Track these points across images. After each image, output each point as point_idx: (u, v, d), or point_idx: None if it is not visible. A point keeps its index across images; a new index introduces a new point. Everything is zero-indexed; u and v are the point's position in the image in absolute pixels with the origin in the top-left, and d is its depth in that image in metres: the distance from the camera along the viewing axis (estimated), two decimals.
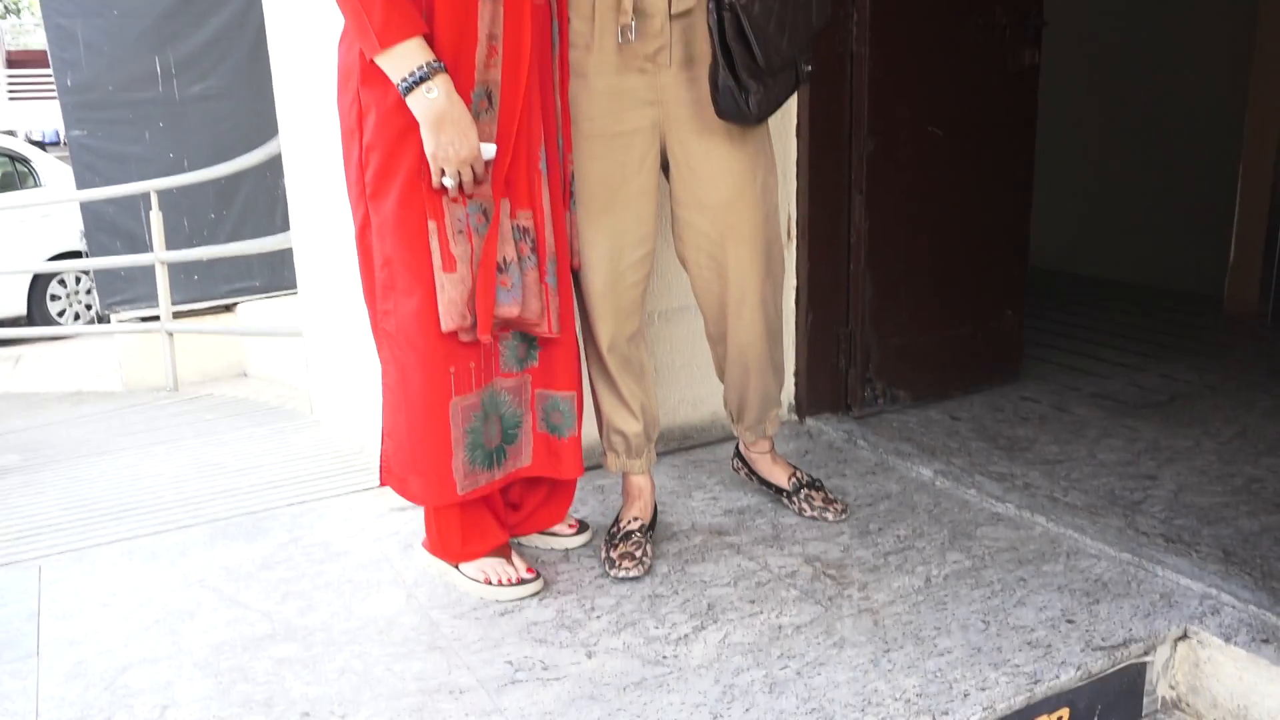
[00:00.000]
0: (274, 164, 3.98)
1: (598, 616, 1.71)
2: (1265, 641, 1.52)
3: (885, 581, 1.79)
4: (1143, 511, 2.03)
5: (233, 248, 4.86)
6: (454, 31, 1.56)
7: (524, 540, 1.99)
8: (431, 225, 1.61)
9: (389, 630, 1.69)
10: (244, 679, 1.56)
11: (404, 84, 1.52)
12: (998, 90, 2.71)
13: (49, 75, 5.53)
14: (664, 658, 1.56)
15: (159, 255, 4.74)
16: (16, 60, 20.20)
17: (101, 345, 6.18)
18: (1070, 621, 1.62)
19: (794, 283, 2.61)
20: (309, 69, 2.58)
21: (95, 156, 5.43)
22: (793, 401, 2.67)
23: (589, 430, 1.98)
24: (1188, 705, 1.59)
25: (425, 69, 1.52)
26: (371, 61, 1.54)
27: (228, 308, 5.68)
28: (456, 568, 1.83)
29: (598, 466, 2.14)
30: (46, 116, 17.89)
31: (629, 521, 1.95)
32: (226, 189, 5.50)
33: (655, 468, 2.12)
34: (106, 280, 5.62)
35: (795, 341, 2.64)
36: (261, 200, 5.59)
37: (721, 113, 1.74)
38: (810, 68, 1.83)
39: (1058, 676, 1.47)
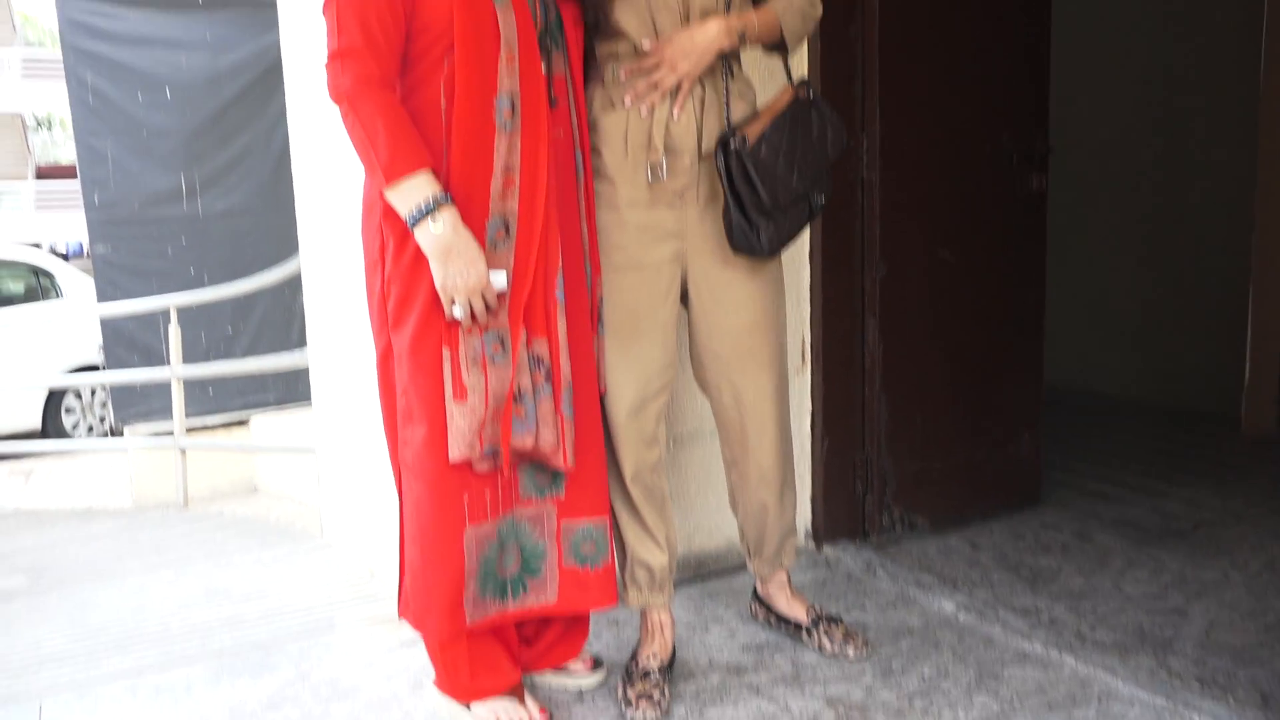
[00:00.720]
0: (291, 279, 4.05)
1: None
2: None
3: None
4: (1174, 650, 1.97)
5: (249, 364, 4.90)
6: (469, 163, 1.59)
7: (537, 678, 1.94)
8: (445, 353, 1.62)
9: None
10: None
11: (411, 217, 1.56)
12: (1007, 215, 2.75)
13: (76, 188, 5.68)
14: None
15: (175, 370, 4.78)
16: (46, 173, 20.82)
17: (113, 460, 6.18)
18: None
19: (809, 407, 2.60)
20: (331, 190, 2.64)
21: (117, 271, 5.52)
22: (809, 528, 2.64)
23: None
24: None
25: (430, 202, 1.55)
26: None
27: (240, 421, 5.68)
28: (468, 708, 1.78)
29: None
30: (71, 228, 18.35)
31: (648, 659, 1.90)
32: (244, 303, 5.57)
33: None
34: (122, 394, 5.65)
35: (811, 467, 2.61)
36: (278, 315, 5.66)
37: (736, 247, 1.79)
38: (824, 200, 1.88)
39: None
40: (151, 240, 5.55)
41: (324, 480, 3.06)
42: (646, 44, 1.72)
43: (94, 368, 7.27)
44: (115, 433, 6.14)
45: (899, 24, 2.51)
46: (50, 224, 19.08)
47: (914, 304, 2.63)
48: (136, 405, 5.63)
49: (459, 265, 1.56)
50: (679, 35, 1.72)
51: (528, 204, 1.63)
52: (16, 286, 7.70)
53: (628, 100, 1.75)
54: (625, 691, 1.84)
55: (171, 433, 5.01)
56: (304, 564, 2.89)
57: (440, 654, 1.79)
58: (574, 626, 1.92)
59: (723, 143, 1.75)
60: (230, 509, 4.62)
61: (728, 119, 1.78)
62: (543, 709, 1.78)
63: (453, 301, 1.59)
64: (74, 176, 5.91)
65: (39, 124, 24.55)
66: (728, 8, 1.76)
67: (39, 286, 7.75)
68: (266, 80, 5.34)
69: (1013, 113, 2.71)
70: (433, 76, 1.59)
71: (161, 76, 5.37)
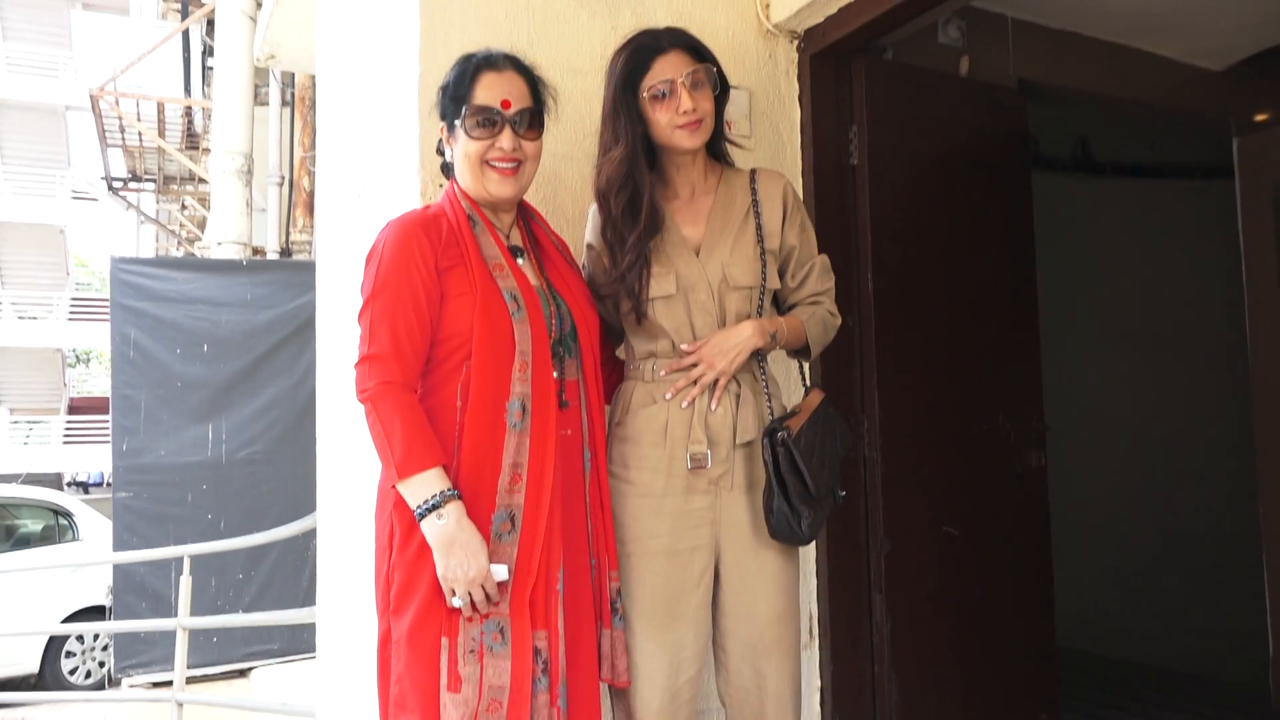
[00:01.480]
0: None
1: None
2: None
3: None
4: None
5: (256, 617, 4.86)
6: (478, 459, 1.68)
7: None
8: (443, 642, 1.65)
9: None
10: None
11: (419, 510, 1.63)
12: (1008, 490, 2.81)
13: (105, 420, 5.84)
14: None
15: (181, 621, 4.73)
16: (78, 407, 21.38)
17: (108, 710, 6.00)
18: None
19: (818, 684, 2.56)
20: (351, 454, 2.72)
21: (136, 517, 5.59)
22: None
23: None
24: None
25: (438, 497, 1.63)
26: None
27: (242, 672, 5.56)
28: None
29: None
30: (96, 458, 18.64)
31: None
32: (257, 550, 5.59)
33: None
34: (125, 642, 5.57)
35: None
36: (290, 562, 5.66)
37: (775, 534, 1.85)
38: (844, 493, 1.97)
39: None
40: (173, 487, 5.65)
41: None
42: (685, 346, 1.86)
43: (101, 608, 7.21)
44: (113, 682, 6.00)
45: (893, 312, 2.67)
46: (76, 456, 19.42)
47: (921, 579, 2.64)
48: (139, 653, 5.54)
49: (460, 557, 1.62)
50: (716, 336, 1.86)
51: (533, 499, 1.70)
52: (35, 526, 7.78)
53: (668, 395, 1.86)
54: None
55: (170, 683, 4.89)
56: None
57: None
58: None
59: (770, 433, 1.84)
60: None
61: (770, 411, 1.90)
62: None
63: (453, 592, 1.63)
64: (104, 410, 6.10)
65: (78, 359, 25.47)
66: (759, 312, 1.91)
67: (57, 527, 7.82)
68: (300, 335, 5.62)
69: (1007, 394, 2.84)
70: (451, 379, 1.71)
71: (200, 333, 5.66)
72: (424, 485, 1.64)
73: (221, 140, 7.09)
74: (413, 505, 1.64)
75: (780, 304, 2.01)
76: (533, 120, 1.81)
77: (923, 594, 2.64)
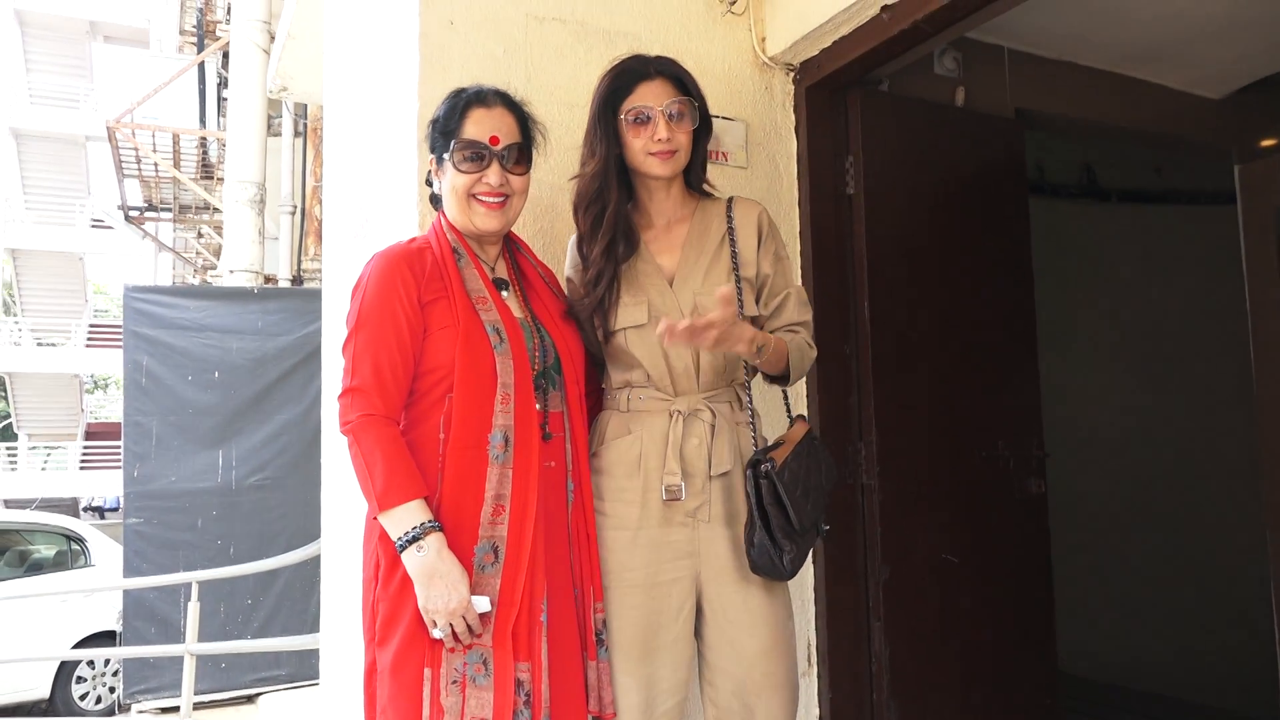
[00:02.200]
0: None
1: None
2: None
3: None
4: None
5: (264, 643, 4.89)
6: (461, 491, 1.70)
7: None
8: (426, 673, 1.66)
9: None
10: None
11: (399, 542, 1.65)
12: (1008, 517, 2.81)
13: (121, 445, 5.90)
14: None
15: (189, 647, 4.76)
16: (95, 432, 21.54)
17: None
18: None
19: (816, 713, 2.56)
20: (353, 482, 2.74)
21: (146, 543, 5.63)
22: None
23: None
24: None
25: (419, 529, 1.64)
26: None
27: (250, 698, 5.57)
28: None
29: None
30: (113, 483, 18.76)
31: None
32: (266, 576, 5.62)
33: None
34: (134, 668, 5.60)
35: None
36: (298, 587, 5.68)
37: (755, 568, 1.82)
38: (828, 527, 1.96)
39: None
40: (183, 513, 5.69)
41: None
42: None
43: (112, 633, 7.24)
44: (122, 708, 6.02)
45: (891, 340, 2.69)
46: (91, 480, 19.55)
47: (920, 607, 2.64)
48: (147, 679, 5.56)
49: (440, 588, 1.63)
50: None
51: (516, 530, 1.71)
52: (48, 552, 7.82)
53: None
54: None
55: (179, 708, 4.91)
56: None
57: None
58: None
59: (753, 464, 1.82)
60: None
61: (754, 442, 1.88)
62: None
63: (434, 623, 1.64)
64: (120, 437, 6.16)
65: (95, 385, 25.66)
66: None
67: (70, 553, 7.87)
68: (310, 362, 5.68)
69: (1006, 420, 2.84)
70: (434, 412, 1.73)
71: (212, 360, 5.73)
72: (405, 517, 1.65)
73: (235, 170, 7.20)
74: (394, 537, 1.66)
75: None
76: (520, 155, 1.83)
77: (922, 622, 2.63)
